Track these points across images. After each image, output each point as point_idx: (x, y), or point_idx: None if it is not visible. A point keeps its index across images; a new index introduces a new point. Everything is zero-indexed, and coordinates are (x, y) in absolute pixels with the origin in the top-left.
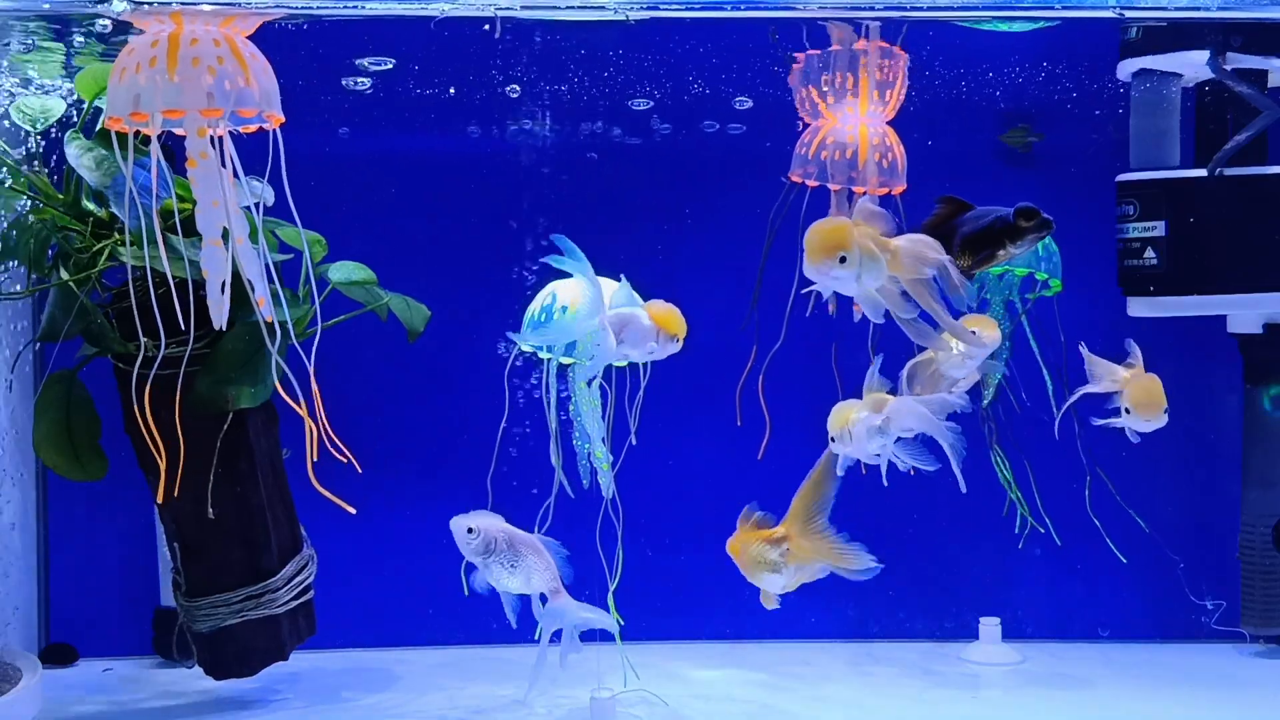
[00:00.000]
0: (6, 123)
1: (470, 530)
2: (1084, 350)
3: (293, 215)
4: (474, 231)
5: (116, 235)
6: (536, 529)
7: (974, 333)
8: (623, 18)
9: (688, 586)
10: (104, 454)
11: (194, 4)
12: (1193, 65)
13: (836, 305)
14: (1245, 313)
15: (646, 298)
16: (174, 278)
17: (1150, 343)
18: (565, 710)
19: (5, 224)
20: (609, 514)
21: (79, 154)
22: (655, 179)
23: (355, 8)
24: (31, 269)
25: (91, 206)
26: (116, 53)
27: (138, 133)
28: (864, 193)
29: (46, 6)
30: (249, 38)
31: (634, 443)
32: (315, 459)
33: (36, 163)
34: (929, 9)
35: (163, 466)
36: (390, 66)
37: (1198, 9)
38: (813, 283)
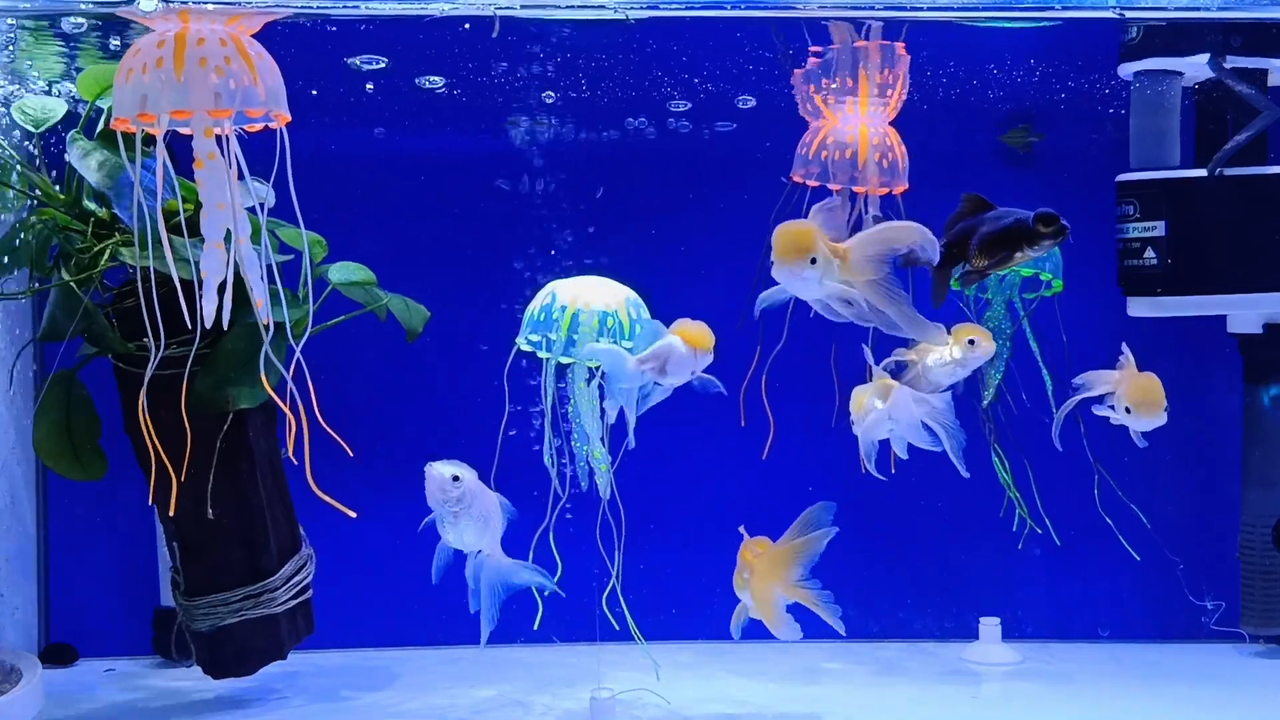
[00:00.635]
0: (5, 121)
1: (456, 479)
2: (1077, 381)
3: (296, 216)
4: (474, 232)
5: (118, 235)
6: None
7: (971, 342)
8: (622, 17)
9: (688, 586)
10: (104, 454)
11: (201, 1)
12: (1193, 65)
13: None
14: (1245, 313)
15: (647, 298)
16: (178, 279)
17: (1150, 343)
18: (565, 710)
19: (7, 227)
20: (609, 514)
21: (82, 155)
22: (656, 178)
23: (356, 7)
24: (33, 270)
25: (93, 207)
26: (118, 53)
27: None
28: (865, 192)
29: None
30: (254, 36)
31: (632, 444)
32: (296, 458)
33: (36, 162)
34: (929, 9)
35: (168, 468)
36: (383, 65)
37: (1198, 9)
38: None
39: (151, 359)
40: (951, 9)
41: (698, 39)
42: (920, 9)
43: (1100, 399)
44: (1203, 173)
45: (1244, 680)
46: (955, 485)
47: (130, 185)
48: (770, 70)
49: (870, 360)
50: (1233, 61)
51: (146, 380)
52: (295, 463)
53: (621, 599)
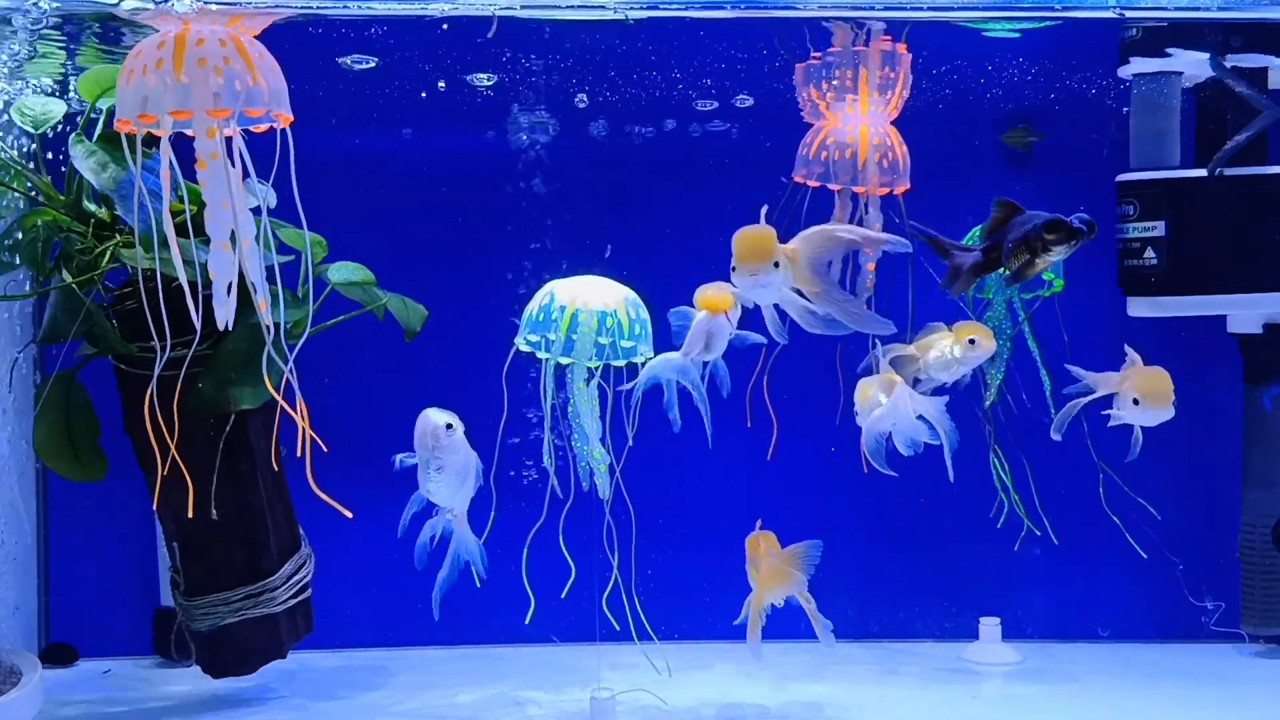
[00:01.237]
0: (4, 119)
1: (449, 426)
2: (1075, 370)
3: (299, 216)
4: (474, 232)
5: (119, 236)
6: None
7: (972, 341)
8: (622, 17)
9: (688, 587)
10: (104, 454)
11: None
12: (1193, 65)
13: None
14: (1245, 313)
15: (647, 298)
16: (185, 280)
17: (1150, 343)
18: (565, 710)
19: (4, 228)
20: (608, 514)
21: (84, 156)
22: (656, 178)
23: (356, 7)
24: (34, 271)
25: (93, 208)
26: (119, 53)
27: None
28: (865, 192)
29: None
30: (257, 37)
31: (631, 444)
32: (292, 459)
33: (35, 163)
34: (929, 9)
35: (181, 466)
36: (373, 65)
37: (1198, 9)
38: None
39: (157, 360)
40: (951, 9)
41: (696, 39)
42: (920, 9)
43: (1107, 401)
44: (1203, 173)
45: (1244, 680)
46: (956, 485)
47: (133, 186)
48: (770, 70)
49: (879, 354)
50: (1233, 60)
51: (154, 382)
52: (285, 455)
53: (624, 598)
